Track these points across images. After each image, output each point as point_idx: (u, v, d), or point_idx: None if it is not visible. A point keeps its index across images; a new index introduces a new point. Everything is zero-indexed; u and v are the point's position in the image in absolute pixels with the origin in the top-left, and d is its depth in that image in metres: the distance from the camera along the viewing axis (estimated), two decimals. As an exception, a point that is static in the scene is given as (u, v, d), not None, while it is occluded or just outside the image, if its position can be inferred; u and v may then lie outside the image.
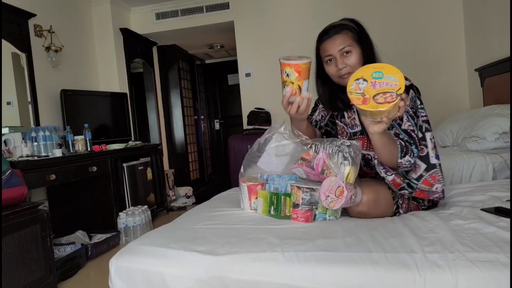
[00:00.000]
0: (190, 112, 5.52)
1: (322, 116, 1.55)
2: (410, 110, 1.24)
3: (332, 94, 1.40)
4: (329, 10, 3.94)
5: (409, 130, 1.23)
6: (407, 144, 1.20)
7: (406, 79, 1.26)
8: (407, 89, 1.25)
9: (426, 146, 1.26)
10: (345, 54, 1.27)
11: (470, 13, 3.60)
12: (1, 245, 1.74)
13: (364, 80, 1.00)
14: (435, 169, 1.27)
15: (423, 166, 1.26)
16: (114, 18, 4.05)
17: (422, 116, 1.27)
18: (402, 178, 1.25)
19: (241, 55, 4.34)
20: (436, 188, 1.27)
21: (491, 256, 0.85)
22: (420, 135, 1.24)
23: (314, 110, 1.57)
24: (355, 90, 1.00)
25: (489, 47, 3.27)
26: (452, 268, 0.82)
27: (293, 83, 1.09)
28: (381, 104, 0.96)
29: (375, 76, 0.99)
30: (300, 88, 1.09)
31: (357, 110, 1.37)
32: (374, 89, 0.98)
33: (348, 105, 1.39)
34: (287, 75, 1.09)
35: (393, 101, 0.95)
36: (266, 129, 4.35)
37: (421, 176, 1.26)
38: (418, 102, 1.28)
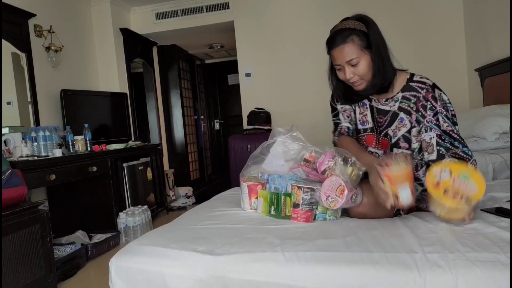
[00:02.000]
0: (190, 112, 5.52)
1: (348, 116, 1.44)
2: (444, 110, 1.24)
3: (347, 87, 1.36)
4: (329, 10, 3.94)
5: (448, 131, 1.23)
6: (458, 153, 1.20)
7: (427, 79, 1.29)
8: (433, 88, 1.26)
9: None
10: (353, 65, 1.24)
11: (470, 13, 3.60)
12: (1, 245, 1.74)
13: (450, 173, 1.05)
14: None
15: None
16: (114, 18, 4.05)
17: (452, 111, 1.27)
18: None
19: (241, 55, 4.34)
20: None
21: (491, 256, 0.85)
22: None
23: (336, 116, 1.47)
24: (433, 174, 1.06)
25: (489, 47, 3.27)
26: (452, 268, 0.82)
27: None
28: (447, 198, 1.02)
29: (461, 175, 1.04)
30: (396, 195, 1.08)
31: (370, 107, 1.37)
32: (453, 184, 1.03)
33: (361, 97, 1.37)
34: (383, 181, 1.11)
35: (458, 203, 1.01)
36: (266, 129, 4.30)
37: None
38: (445, 98, 1.28)
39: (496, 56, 3.09)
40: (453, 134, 1.23)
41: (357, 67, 1.24)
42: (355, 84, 1.28)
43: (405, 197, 1.07)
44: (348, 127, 1.43)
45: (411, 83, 1.30)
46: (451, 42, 3.77)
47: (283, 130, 1.42)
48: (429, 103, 1.25)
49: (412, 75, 1.32)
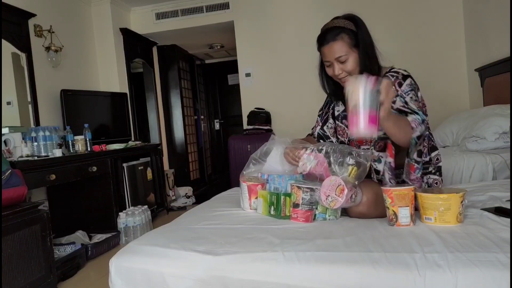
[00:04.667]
0: (190, 112, 5.52)
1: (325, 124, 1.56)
2: (404, 94, 1.27)
3: (337, 85, 1.43)
4: (329, 10, 3.92)
5: (400, 107, 1.25)
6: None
7: (405, 71, 1.32)
8: (404, 77, 1.29)
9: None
10: (341, 61, 1.30)
11: (470, 13, 3.60)
12: (1, 245, 1.74)
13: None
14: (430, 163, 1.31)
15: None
16: (114, 18, 4.05)
17: (422, 103, 1.29)
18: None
19: (241, 55, 4.34)
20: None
21: (491, 256, 0.85)
22: (424, 116, 1.25)
23: (320, 116, 1.59)
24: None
25: (489, 47, 3.27)
26: (452, 268, 0.83)
27: (388, 208, 1.14)
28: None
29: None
30: (395, 214, 1.12)
31: None
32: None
33: None
34: (384, 200, 1.15)
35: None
36: (266, 129, 4.28)
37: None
38: (419, 93, 1.30)
39: (496, 56, 3.08)
40: (403, 109, 1.24)
41: (346, 64, 1.30)
42: (342, 80, 1.34)
43: (404, 218, 1.11)
44: (318, 133, 1.56)
45: (387, 74, 1.33)
46: (451, 42, 3.77)
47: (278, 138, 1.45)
48: (393, 87, 1.28)
49: (392, 68, 1.36)
